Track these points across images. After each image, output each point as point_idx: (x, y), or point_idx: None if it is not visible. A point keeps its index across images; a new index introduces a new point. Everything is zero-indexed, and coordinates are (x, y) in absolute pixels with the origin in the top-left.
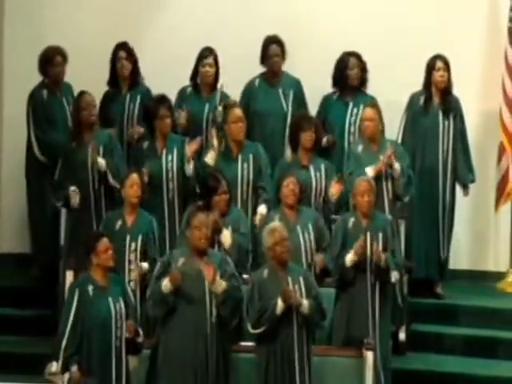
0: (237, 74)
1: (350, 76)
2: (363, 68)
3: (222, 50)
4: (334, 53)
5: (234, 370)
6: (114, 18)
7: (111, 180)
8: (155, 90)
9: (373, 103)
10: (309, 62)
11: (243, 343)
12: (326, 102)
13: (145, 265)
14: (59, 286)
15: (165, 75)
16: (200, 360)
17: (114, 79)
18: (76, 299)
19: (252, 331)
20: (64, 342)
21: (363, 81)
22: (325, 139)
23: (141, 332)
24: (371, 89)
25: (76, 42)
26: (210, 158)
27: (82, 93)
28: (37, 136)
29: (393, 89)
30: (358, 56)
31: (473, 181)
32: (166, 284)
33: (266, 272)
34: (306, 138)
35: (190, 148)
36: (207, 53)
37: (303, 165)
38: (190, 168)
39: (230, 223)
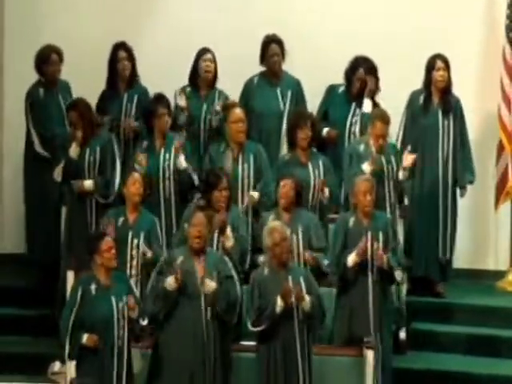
0: (235, 75)
1: (352, 83)
2: (365, 80)
3: (220, 50)
4: (334, 53)
5: (235, 370)
6: (113, 16)
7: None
8: (155, 90)
9: (384, 117)
10: (307, 62)
11: (244, 342)
12: (331, 92)
13: (149, 254)
14: (60, 284)
15: (164, 75)
16: (197, 359)
17: (112, 80)
18: (79, 297)
19: (252, 329)
20: (67, 338)
21: (363, 90)
22: (325, 130)
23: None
24: None
25: (76, 41)
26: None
27: (68, 107)
28: (39, 133)
29: (392, 89)
30: (367, 66)
31: (471, 182)
32: (169, 282)
33: (266, 270)
34: (302, 136)
35: (176, 144)
36: (205, 51)
37: (302, 162)
38: (181, 161)
39: (229, 222)
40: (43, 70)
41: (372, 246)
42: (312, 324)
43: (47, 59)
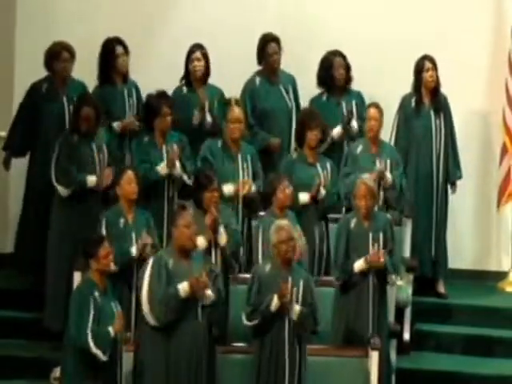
0: (236, 73)
1: (335, 77)
2: (348, 67)
3: (219, 49)
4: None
5: (224, 371)
6: (125, 12)
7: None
8: (161, 87)
9: (375, 103)
10: (306, 63)
11: (233, 344)
12: (315, 104)
13: (149, 240)
14: (47, 288)
15: (166, 72)
16: (194, 362)
17: (107, 74)
18: (92, 306)
19: (246, 323)
20: (93, 345)
21: (349, 80)
22: (336, 130)
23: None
24: (373, 90)
25: (87, 38)
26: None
27: (83, 103)
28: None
29: (394, 91)
30: (342, 55)
31: (460, 177)
32: (184, 288)
33: (268, 267)
34: (312, 136)
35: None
36: (194, 48)
37: (310, 162)
38: (177, 171)
39: (221, 221)
40: (52, 67)
41: (373, 247)
42: (299, 332)
43: (57, 56)
